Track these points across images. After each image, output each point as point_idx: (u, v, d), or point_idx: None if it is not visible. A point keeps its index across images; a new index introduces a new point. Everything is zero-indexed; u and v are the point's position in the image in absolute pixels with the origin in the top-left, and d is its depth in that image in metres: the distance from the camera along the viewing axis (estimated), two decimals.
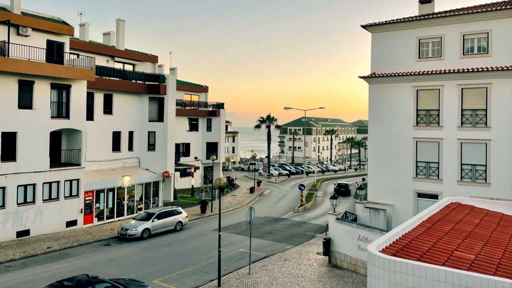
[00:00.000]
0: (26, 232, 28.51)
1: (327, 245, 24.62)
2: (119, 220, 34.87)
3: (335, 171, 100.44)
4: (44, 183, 29.40)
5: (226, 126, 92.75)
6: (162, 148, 41.78)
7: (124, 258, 25.42)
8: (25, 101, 28.45)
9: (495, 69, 23.74)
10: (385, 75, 27.25)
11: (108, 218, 34.49)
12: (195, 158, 55.01)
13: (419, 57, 26.83)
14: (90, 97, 35.49)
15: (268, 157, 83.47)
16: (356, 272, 23.08)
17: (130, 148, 40.31)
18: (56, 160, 31.53)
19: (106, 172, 36.27)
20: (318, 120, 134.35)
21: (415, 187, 26.44)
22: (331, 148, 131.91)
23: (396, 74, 26.72)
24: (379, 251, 10.39)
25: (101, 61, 39.80)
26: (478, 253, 10.84)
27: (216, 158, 52.46)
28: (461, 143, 25.02)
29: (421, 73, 25.89)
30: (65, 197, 30.78)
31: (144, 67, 45.26)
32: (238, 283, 21.27)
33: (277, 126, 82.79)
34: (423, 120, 26.35)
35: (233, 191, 55.52)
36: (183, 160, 52.80)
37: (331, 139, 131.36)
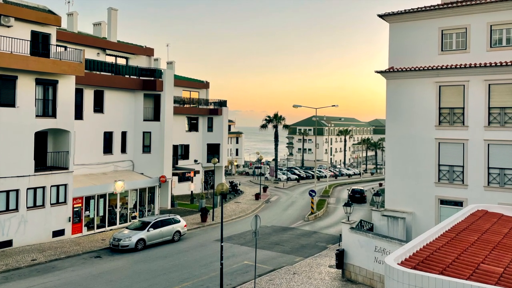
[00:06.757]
0: (8, 243, 28.65)
1: (341, 257, 24.63)
2: (111, 230, 35.01)
3: (349, 175, 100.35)
4: (28, 188, 29.54)
5: (229, 126, 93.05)
6: (159, 150, 41.92)
7: (116, 271, 25.52)
8: (7, 98, 28.61)
9: None
10: (404, 69, 27.23)
11: (98, 227, 34.64)
12: (195, 161, 55.14)
13: (441, 50, 26.80)
14: (79, 94, 35.66)
15: (275, 160, 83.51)
16: (373, 287, 23.07)
17: (123, 150, 40.47)
18: (41, 164, 31.67)
19: (96, 177, 36.42)
20: (330, 119, 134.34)
21: (437, 193, 26.39)
22: (344, 150, 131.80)
23: (417, 69, 26.70)
24: (398, 263, 10.41)
25: (91, 54, 40.00)
26: (507, 266, 10.83)
27: (218, 161, 52.53)
28: (488, 144, 24.97)
29: (444, 67, 25.86)
30: (51, 204, 30.93)
31: (139, 61, 45.45)
32: None
33: (286, 126, 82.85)
34: (446, 119, 26.31)
35: (237, 197, 55.62)
36: (181, 163, 52.93)
37: (345, 140, 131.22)
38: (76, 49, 32.39)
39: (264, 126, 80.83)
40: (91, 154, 37.08)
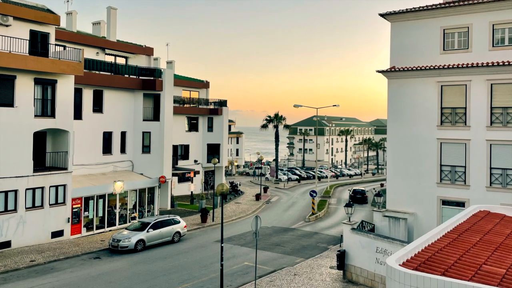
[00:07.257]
0: (7, 244, 28.65)
1: (342, 258, 24.62)
2: (110, 231, 35.00)
3: (350, 175, 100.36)
4: (27, 189, 29.54)
5: (229, 126, 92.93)
6: (158, 151, 41.91)
7: (115, 272, 25.53)
8: (5, 98, 28.60)
9: None
10: (406, 69, 27.22)
11: (98, 228, 34.64)
12: (195, 161, 55.14)
13: (443, 49, 26.79)
14: (78, 94, 35.65)
15: (276, 160, 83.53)
16: None
17: (123, 150, 40.46)
18: (40, 164, 31.66)
19: (95, 177, 36.42)
20: (331, 119, 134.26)
21: (439, 194, 26.38)
22: (345, 150, 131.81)
23: (418, 68, 26.68)
24: (399, 264, 10.41)
25: (90, 53, 40.00)
26: (510, 267, 10.82)
27: (218, 162, 52.51)
28: (490, 144, 24.95)
29: (446, 67, 25.84)
30: (50, 204, 30.93)
31: (138, 60, 45.44)
32: None
33: (286, 126, 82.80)
34: (448, 119, 26.30)
35: (237, 198, 55.61)
36: (181, 163, 52.92)
37: (346, 140, 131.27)
38: (75, 48, 32.39)
39: (264, 126, 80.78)
40: (90, 154, 37.06)
